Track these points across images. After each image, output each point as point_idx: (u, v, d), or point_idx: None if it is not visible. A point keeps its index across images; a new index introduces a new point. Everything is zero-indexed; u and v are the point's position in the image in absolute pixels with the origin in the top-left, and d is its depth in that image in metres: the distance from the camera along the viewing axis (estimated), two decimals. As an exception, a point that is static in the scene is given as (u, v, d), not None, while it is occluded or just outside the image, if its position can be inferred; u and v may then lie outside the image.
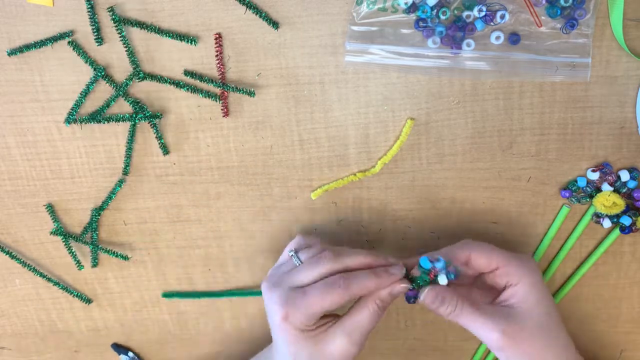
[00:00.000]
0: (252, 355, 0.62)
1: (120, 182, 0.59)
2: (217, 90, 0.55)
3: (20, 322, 0.67)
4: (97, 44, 0.53)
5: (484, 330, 0.50)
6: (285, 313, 0.50)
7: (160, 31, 0.53)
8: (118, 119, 0.56)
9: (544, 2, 0.50)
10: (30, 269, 0.63)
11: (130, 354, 0.67)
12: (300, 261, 0.53)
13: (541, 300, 0.52)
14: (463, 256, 0.54)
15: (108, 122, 0.56)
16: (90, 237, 0.61)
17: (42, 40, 0.53)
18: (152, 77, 0.55)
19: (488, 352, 0.66)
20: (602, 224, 0.58)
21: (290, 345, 0.51)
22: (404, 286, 0.51)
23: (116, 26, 0.53)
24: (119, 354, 0.67)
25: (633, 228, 0.58)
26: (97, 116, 0.56)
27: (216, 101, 0.56)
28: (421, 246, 0.61)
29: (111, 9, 0.52)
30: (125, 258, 0.62)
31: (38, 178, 0.59)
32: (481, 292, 0.55)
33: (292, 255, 0.54)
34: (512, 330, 0.50)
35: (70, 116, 0.56)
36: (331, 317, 0.52)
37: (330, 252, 0.52)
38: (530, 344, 0.50)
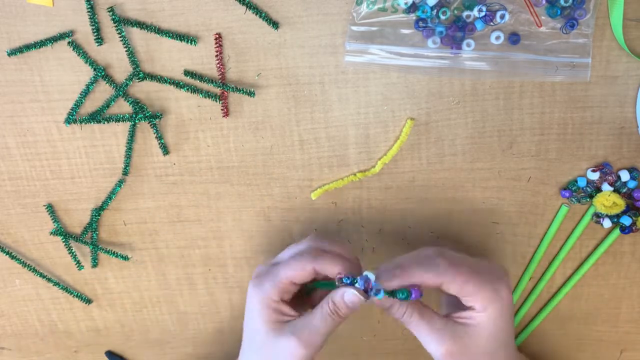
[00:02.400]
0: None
1: (120, 182, 0.59)
2: (217, 90, 0.55)
3: (20, 322, 0.67)
4: (97, 44, 0.53)
5: (428, 343, 0.50)
6: (256, 284, 0.51)
7: (160, 31, 0.53)
8: (118, 119, 0.56)
9: (544, 2, 0.50)
10: (30, 269, 0.63)
11: None
12: None
13: (499, 331, 0.50)
14: (432, 283, 0.49)
15: (108, 122, 0.56)
16: (90, 237, 0.61)
17: (42, 40, 0.53)
18: (152, 77, 0.55)
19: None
20: (602, 224, 0.58)
21: (252, 320, 0.52)
22: (354, 293, 0.48)
23: (116, 26, 0.53)
24: None
25: (633, 228, 0.58)
26: (97, 116, 0.56)
27: (216, 101, 0.56)
28: (421, 246, 0.61)
29: (111, 9, 0.52)
30: (125, 258, 0.62)
31: (38, 178, 0.59)
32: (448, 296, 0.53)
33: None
34: (456, 350, 0.49)
35: (70, 116, 0.56)
36: (296, 314, 0.52)
37: (315, 235, 0.53)
38: None
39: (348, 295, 0.49)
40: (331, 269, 0.50)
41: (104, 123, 0.56)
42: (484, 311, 0.49)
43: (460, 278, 0.49)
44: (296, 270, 0.50)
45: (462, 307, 0.51)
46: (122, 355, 0.68)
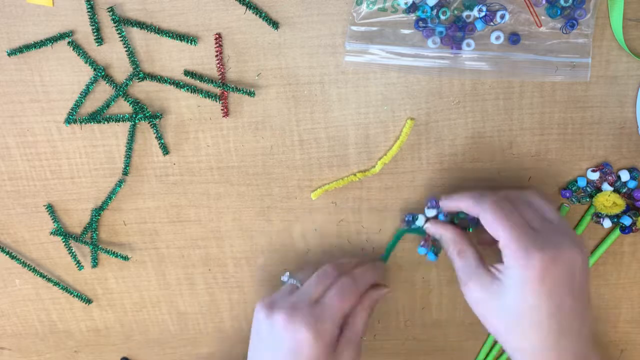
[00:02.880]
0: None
1: (120, 182, 0.59)
2: (217, 90, 0.55)
3: (20, 322, 0.67)
4: (97, 44, 0.53)
5: (459, 280, 0.51)
6: (316, 331, 0.50)
7: (160, 31, 0.53)
8: (118, 119, 0.56)
9: (544, 2, 0.50)
10: (30, 269, 0.63)
11: None
12: (300, 282, 0.55)
13: (524, 303, 0.47)
14: (471, 210, 0.52)
15: (108, 122, 0.56)
16: (90, 238, 0.61)
17: (42, 40, 0.53)
18: (152, 77, 0.55)
19: (489, 352, 0.66)
20: (602, 224, 0.58)
21: None
22: (387, 290, 0.57)
23: (116, 26, 0.53)
24: None
25: (633, 228, 0.58)
26: (97, 116, 0.56)
27: (216, 101, 0.56)
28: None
29: (111, 9, 0.52)
30: (125, 258, 0.62)
31: (38, 178, 0.59)
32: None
33: (289, 279, 0.56)
34: (477, 296, 0.50)
35: (70, 116, 0.56)
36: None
37: (331, 264, 0.56)
38: (493, 326, 0.50)
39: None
40: (371, 278, 0.56)
41: (104, 123, 0.56)
42: (507, 270, 0.48)
43: (490, 216, 0.49)
44: (350, 304, 0.53)
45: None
46: None
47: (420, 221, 0.57)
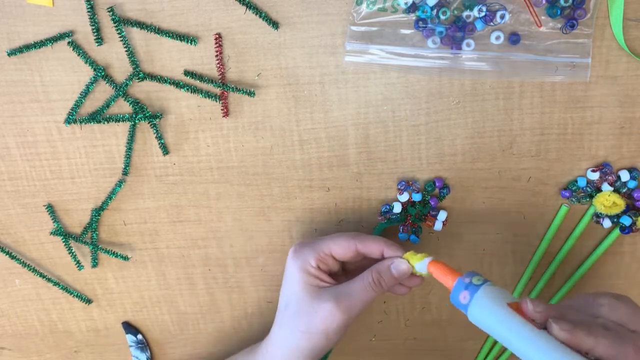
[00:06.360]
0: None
1: (120, 183, 0.59)
2: (217, 90, 0.55)
3: (20, 322, 0.67)
4: (97, 44, 0.53)
5: None
6: (298, 248, 0.53)
7: (160, 31, 0.53)
8: (118, 119, 0.56)
9: (544, 2, 0.50)
10: (30, 269, 0.63)
11: (140, 336, 0.67)
12: None
13: None
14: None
15: (108, 122, 0.56)
16: (90, 238, 0.61)
17: (42, 41, 0.53)
18: (152, 77, 0.55)
19: (489, 352, 0.66)
20: (602, 224, 0.58)
21: (289, 285, 0.53)
22: (404, 263, 0.51)
23: (116, 26, 0.53)
24: (127, 333, 0.67)
25: (633, 228, 0.58)
26: (97, 116, 0.56)
27: (216, 101, 0.56)
28: (420, 246, 0.61)
29: (111, 9, 0.52)
30: (125, 258, 0.62)
31: (38, 178, 0.59)
32: None
33: None
34: None
35: (70, 116, 0.56)
36: (334, 282, 0.53)
37: (358, 234, 0.54)
38: None
39: (396, 265, 0.51)
40: (374, 248, 0.52)
41: (104, 123, 0.56)
42: None
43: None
44: (339, 245, 0.52)
45: None
46: (138, 328, 0.67)
47: (396, 208, 0.58)
